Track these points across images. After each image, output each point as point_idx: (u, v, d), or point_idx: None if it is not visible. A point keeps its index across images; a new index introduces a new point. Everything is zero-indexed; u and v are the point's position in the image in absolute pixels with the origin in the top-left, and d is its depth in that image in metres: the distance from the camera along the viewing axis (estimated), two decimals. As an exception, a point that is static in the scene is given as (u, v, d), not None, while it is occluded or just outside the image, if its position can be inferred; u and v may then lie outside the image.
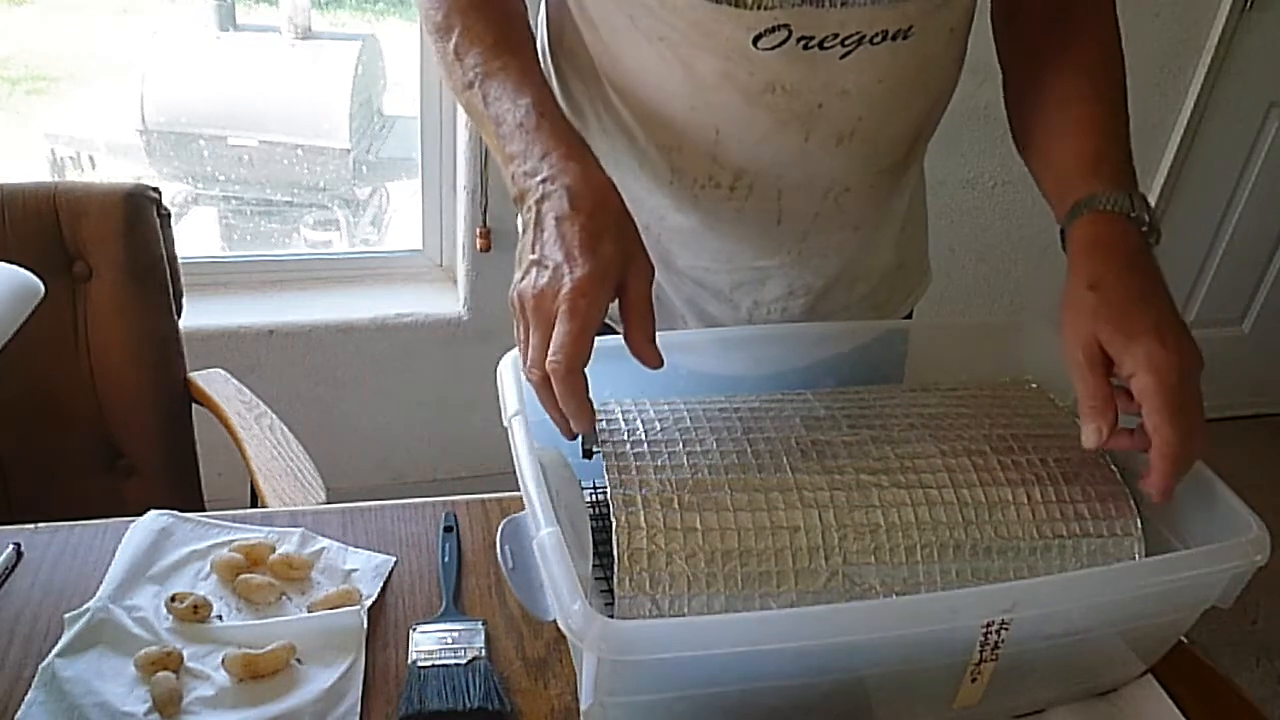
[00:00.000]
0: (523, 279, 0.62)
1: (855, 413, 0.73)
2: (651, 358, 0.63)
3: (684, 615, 0.60)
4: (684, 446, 0.66)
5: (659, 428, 0.68)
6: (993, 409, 0.74)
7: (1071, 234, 0.70)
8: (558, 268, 0.60)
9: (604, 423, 0.68)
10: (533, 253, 0.62)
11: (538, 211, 0.63)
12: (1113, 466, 0.69)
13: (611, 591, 0.71)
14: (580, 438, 0.65)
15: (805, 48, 0.72)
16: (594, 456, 0.67)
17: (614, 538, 0.60)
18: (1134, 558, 0.65)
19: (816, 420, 0.71)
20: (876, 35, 0.73)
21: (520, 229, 0.66)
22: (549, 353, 0.59)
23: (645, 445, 0.66)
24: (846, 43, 0.73)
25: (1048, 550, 0.65)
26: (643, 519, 0.61)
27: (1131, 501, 0.67)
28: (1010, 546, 0.65)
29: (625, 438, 0.67)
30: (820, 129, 0.77)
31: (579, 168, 0.65)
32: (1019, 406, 0.76)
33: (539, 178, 0.65)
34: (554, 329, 0.59)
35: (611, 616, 0.60)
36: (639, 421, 0.69)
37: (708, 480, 0.64)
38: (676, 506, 0.62)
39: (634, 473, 0.64)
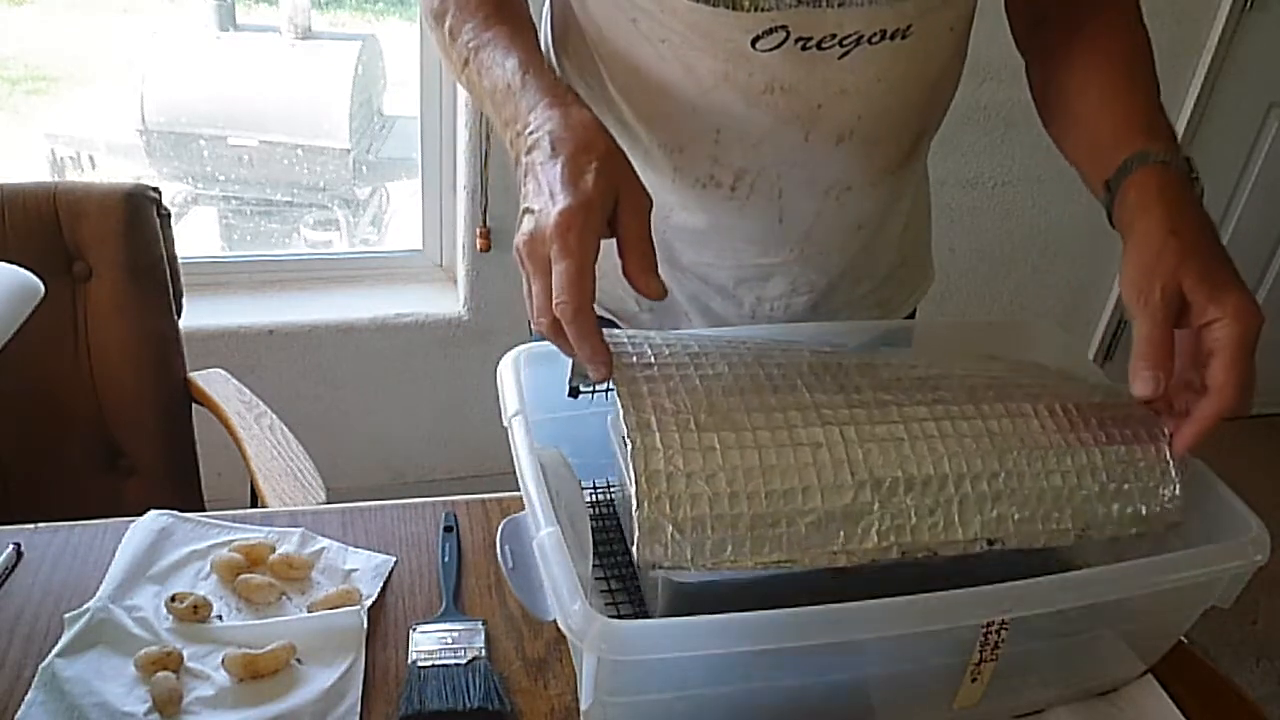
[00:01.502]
0: (518, 231, 0.62)
1: (865, 357, 0.71)
2: (651, 287, 0.60)
3: (707, 537, 0.57)
4: (695, 370, 0.63)
5: (667, 353, 0.65)
6: (1008, 366, 0.73)
7: (1135, 181, 0.68)
8: (543, 209, 0.59)
9: (610, 349, 0.64)
10: (524, 203, 0.62)
11: (526, 164, 0.63)
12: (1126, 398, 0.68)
13: (612, 591, 0.72)
14: (569, 374, 0.64)
15: (804, 48, 0.73)
16: (579, 396, 0.66)
17: (630, 461, 0.57)
18: (1167, 465, 0.64)
19: (826, 355, 0.68)
20: (875, 35, 0.73)
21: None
22: (553, 297, 0.58)
23: (655, 370, 0.63)
24: (845, 43, 0.73)
25: (1076, 455, 0.63)
26: (659, 440, 0.58)
27: (1162, 426, 0.66)
28: (1040, 456, 0.63)
29: (634, 362, 0.63)
30: (820, 128, 0.77)
31: (560, 112, 0.64)
32: (1034, 370, 0.73)
33: (526, 132, 0.64)
34: (551, 273, 0.58)
35: (615, 613, 0.61)
36: (647, 348, 0.65)
37: (722, 402, 0.61)
38: (693, 427, 0.59)
39: (646, 396, 0.61)
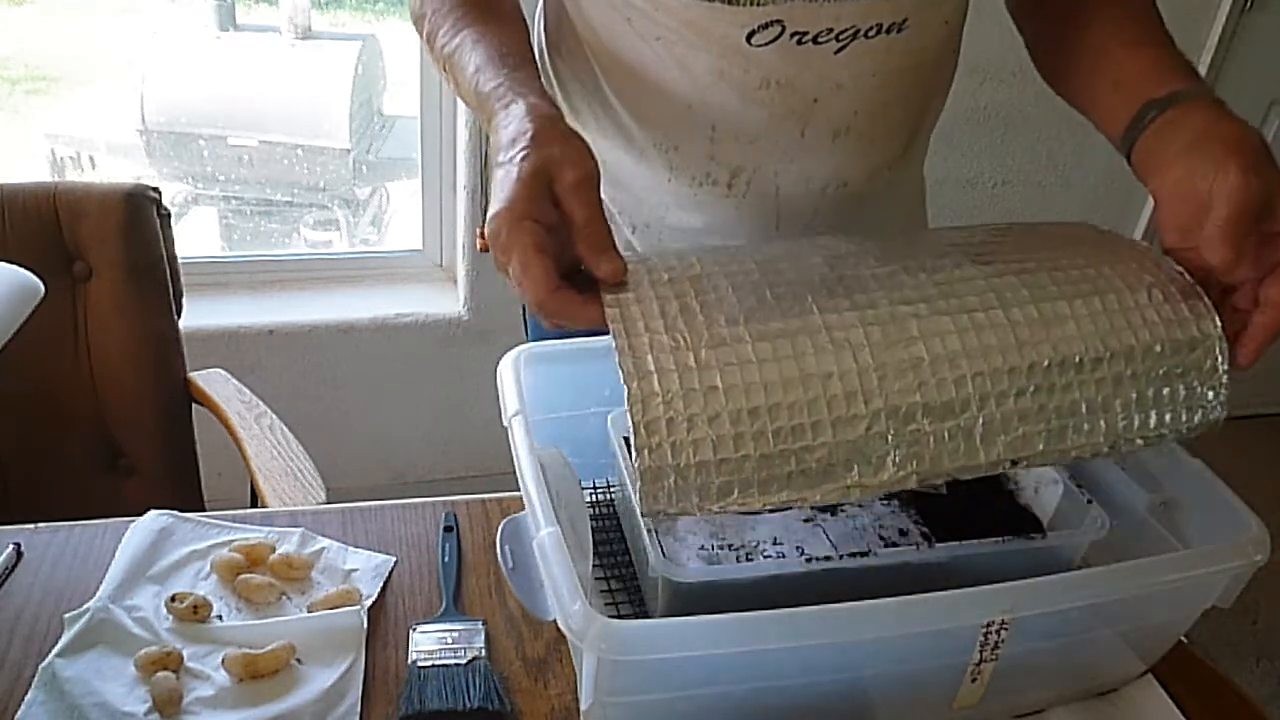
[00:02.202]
0: None
1: (885, 248, 0.65)
2: (603, 268, 0.59)
3: (713, 481, 0.54)
4: (696, 298, 0.59)
5: (666, 278, 0.61)
6: (1038, 235, 0.68)
7: (1195, 108, 0.66)
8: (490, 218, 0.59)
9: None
10: None
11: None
12: (1179, 269, 0.63)
13: (612, 591, 0.72)
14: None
15: (799, 43, 0.73)
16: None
17: (628, 410, 0.55)
18: (1215, 367, 0.60)
19: (840, 258, 0.63)
20: (871, 29, 0.73)
21: None
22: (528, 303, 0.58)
23: (654, 300, 0.59)
24: (841, 37, 0.73)
25: (1114, 362, 0.58)
26: (657, 383, 0.55)
27: (1207, 300, 0.61)
28: (1071, 364, 0.58)
29: (630, 292, 0.60)
30: (816, 124, 0.77)
31: (504, 113, 0.63)
32: (1069, 232, 0.69)
33: (494, 140, 0.63)
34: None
35: (615, 613, 0.61)
36: (644, 274, 0.61)
37: (725, 333, 0.57)
38: (693, 364, 0.56)
39: (643, 333, 0.57)
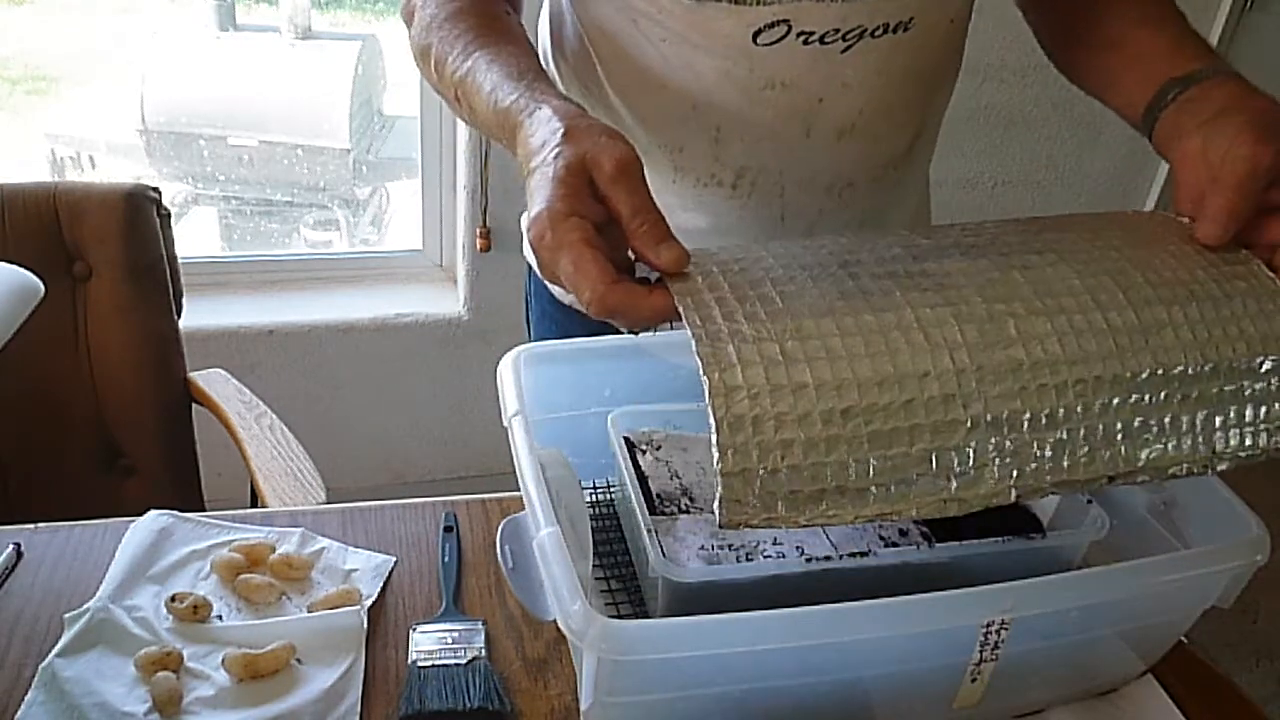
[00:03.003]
0: None
1: (966, 241, 0.62)
2: (663, 258, 0.55)
3: (802, 491, 0.50)
4: (774, 287, 0.55)
5: (737, 268, 0.56)
6: (1119, 228, 0.65)
7: (1216, 84, 0.67)
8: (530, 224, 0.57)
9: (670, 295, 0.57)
10: None
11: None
12: (1269, 273, 0.61)
13: (612, 591, 0.72)
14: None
15: (805, 43, 0.73)
16: (640, 333, 0.59)
17: (709, 404, 0.50)
18: None
19: (922, 250, 0.59)
20: (877, 28, 0.73)
21: None
22: (585, 302, 0.54)
23: (728, 288, 0.54)
24: (848, 37, 0.73)
25: (1215, 376, 0.56)
26: (740, 376, 0.50)
27: None
28: (1174, 377, 0.55)
29: (701, 284, 0.55)
30: (821, 123, 0.77)
31: (529, 121, 0.61)
32: (1144, 226, 0.66)
33: (522, 156, 0.61)
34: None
35: (615, 613, 0.62)
36: (713, 266, 0.57)
37: (811, 325, 0.52)
38: (779, 358, 0.51)
39: (720, 321, 0.52)
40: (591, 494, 0.80)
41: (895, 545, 0.68)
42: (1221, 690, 0.71)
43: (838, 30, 0.72)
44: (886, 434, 0.52)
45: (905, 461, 0.52)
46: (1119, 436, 0.55)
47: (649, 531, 0.64)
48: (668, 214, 0.85)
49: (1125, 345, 0.56)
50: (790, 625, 0.53)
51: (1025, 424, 0.53)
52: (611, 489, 0.80)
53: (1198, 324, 0.57)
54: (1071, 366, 0.54)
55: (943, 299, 0.55)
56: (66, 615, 0.68)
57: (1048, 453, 0.54)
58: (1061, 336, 0.55)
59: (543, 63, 0.88)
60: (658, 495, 0.70)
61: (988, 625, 0.57)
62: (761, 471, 0.50)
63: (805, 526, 0.51)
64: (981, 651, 0.58)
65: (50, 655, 0.65)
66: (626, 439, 0.74)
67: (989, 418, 0.53)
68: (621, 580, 0.72)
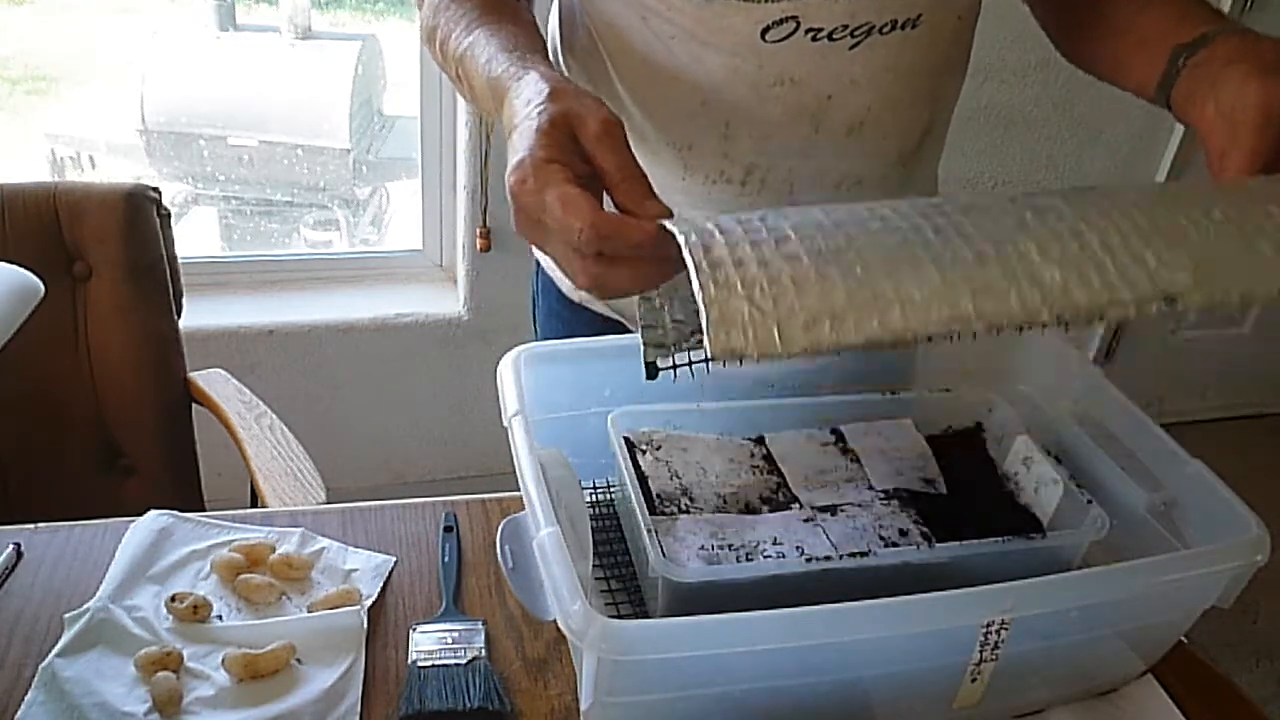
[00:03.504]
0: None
1: (966, 200, 0.57)
2: (653, 213, 0.54)
3: (797, 311, 0.46)
4: (760, 219, 0.52)
5: (742, 230, 0.51)
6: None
7: (1223, 41, 0.65)
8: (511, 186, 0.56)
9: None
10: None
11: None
12: None
13: (612, 591, 0.72)
14: (642, 351, 0.57)
15: (814, 39, 0.73)
16: (657, 375, 0.57)
17: (688, 255, 0.47)
18: None
19: (916, 204, 0.55)
20: (885, 25, 0.73)
21: None
22: (568, 240, 0.52)
23: (740, 233, 0.50)
24: (856, 33, 0.73)
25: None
26: (719, 234, 0.48)
27: None
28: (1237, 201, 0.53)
29: (703, 227, 0.51)
30: (830, 120, 0.77)
31: (515, 87, 0.61)
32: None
33: (509, 118, 0.61)
34: (548, 228, 0.53)
35: (615, 613, 0.61)
36: (711, 225, 0.52)
37: (797, 219, 0.50)
38: (766, 234, 0.49)
39: (709, 225, 0.50)
40: (591, 494, 0.80)
41: (895, 545, 0.68)
42: (1221, 690, 0.71)
43: (846, 26, 0.72)
44: (885, 265, 0.48)
45: (911, 285, 0.47)
46: (1166, 251, 0.50)
47: (649, 531, 0.64)
48: (677, 212, 0.85)
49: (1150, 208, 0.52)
50: (790, 625, 0.54)
51: (1036, 250, 0.49)
52: (611, 489, 0.80)
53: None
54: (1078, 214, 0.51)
55: (943, 215, 0.52)
56: (66, 615, 0.68)
57: (1083, 271, 0.49)
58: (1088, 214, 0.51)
59: (552, 60, 0.88)
60: (658, 495, 0.70)
61: (988, 625, 0.57)
62: (749, 296, 0.46)
63: (803, 355, 0.46)
64: (981, 651, 0.58)
65: (50, 655, 0.65)
66: (626, 439, 0.74)
67: (1005, 248, 0.49)
68: (621, 580, 0.72)
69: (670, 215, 0.54)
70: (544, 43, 0.73)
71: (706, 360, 0.50)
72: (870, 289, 0.47)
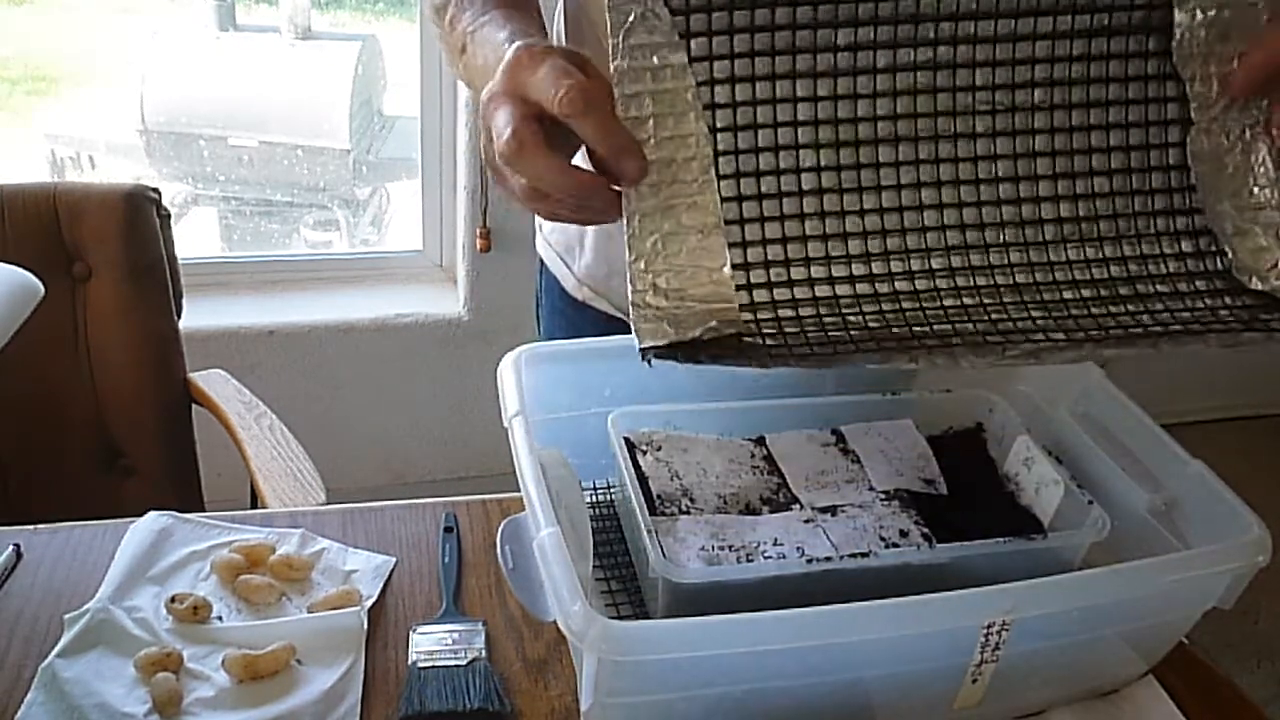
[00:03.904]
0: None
1: None
2: (632, 167, 0.53)
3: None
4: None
5: None
6: None
7: None
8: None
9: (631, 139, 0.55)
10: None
11: None
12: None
13: (612, 592, 0.71)
14: (636, 339, 0.56)
15: None
16: (652, 363, 0.56)
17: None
18: None
19: None
20: None
21: None
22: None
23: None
24: None
25: None
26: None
27: None
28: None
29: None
30: None
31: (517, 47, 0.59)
32: None
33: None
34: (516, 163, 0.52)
35: (615, 614, 0.61)
36: None
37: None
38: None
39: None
40: (591, 494, 0.80)
41: (896, 546, 0.68)
42: (1222, 691, 0.71)
43: None
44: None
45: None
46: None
47: (649, 532, 0.64)
48: None
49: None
50: (790, 626, 0.53)
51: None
52: (611, 489, 0.80)
53: None
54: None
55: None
56: (66, 616, 0.68)
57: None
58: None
59: None
60: (658, 495, 0.70)
61: (988, 626, 0.57)
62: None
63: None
64: (982, 652, 0.58)
65: (50, 656, 0.65)
66: (626, 439, 0.74)
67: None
68: (621, 581, 0.72)
69: (639, 170, 0.54)
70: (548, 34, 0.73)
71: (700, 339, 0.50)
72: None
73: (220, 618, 0.70)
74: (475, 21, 0.72)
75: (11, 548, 0.75)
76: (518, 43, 0.55)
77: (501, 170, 0.56)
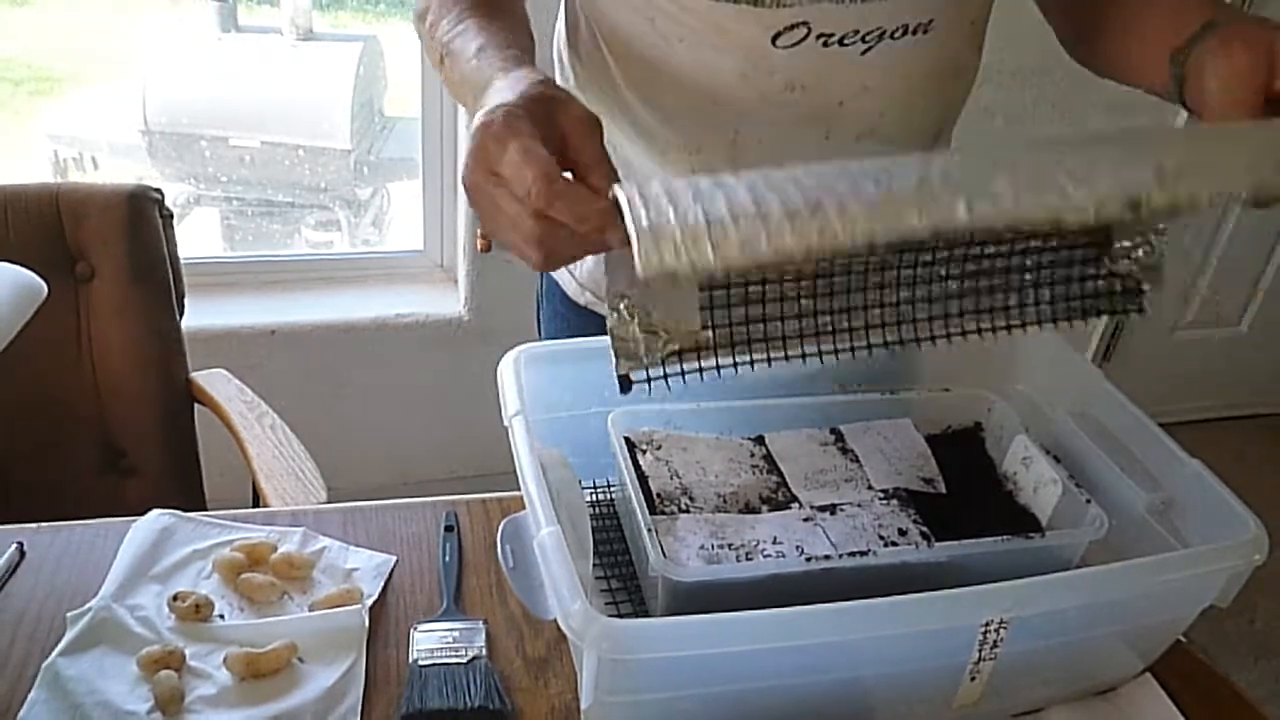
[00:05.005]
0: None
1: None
2: (610, 240, 0.52)
3: (730, 227, 0.46)
4: (713, 181, 0.51)
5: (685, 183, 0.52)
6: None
7: (1214, 29, 0.65)
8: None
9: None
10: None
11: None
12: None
13: (612, 591, 0.72)
14: (613, 363, 0.56)
15: (825, 45, 0.72)
16: (631, 389, 0.58)
17: (625, 205, 0.48)
18: None
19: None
20: (897, 30, 0.73)
21: None
22: (521, 207, 0.51)
23: (682, 184, 0.50)
24: (867, 39, 0.72)
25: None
26: (658, 185, 0.49)
27: None
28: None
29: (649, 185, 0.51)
30: (841, 126, 0.77)
31: (500, 79, 0.59)
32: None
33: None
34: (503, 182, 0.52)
35: (615, 613, 0.61)
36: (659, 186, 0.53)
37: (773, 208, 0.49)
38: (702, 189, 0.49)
39: (661, 196, 0.50)
40: (591, 494, 0.80)
41: (895, 545, 0.68)
42: (1220, 689, 0.72)
43: (857, 32, 0.72)
44: (830, 186, 0.48)
45: (854, 193, 0.48)
46: (1104, 155, 0.52)
47: (649, 531, 0.65)
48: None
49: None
50: (790, 625, 0.54)
51: (990, 169, 0.50)
52: (611, 489, 0.80)
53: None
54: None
55: (896, 163, 0.53)
56: (69, 614, 0.68)
57: (1038, 179, 0.49)
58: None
59: (557, 65, 0.88)
60: (658, 495, 0.71)
61: (987, 624, 0.57)
62: (683, 219, 0.46)
63: (743, 264, 0.47)
64: (980, 651, 0.58)
65: (53, 654, 0.65)
66: (626, 439, 0.74)
67: (954, 173, 0.50)
68: (621, 580, 0.73)
69: None
70: (533, 42, 0.72)
71: (682, 373, 0.51)
72: (809, 206, 0.47)
73: (222, 616, 0.70)
74: (451, 31, 0.70)
75: (14, 547, 0.75)
76: (480, 111, 0.54)
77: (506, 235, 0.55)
